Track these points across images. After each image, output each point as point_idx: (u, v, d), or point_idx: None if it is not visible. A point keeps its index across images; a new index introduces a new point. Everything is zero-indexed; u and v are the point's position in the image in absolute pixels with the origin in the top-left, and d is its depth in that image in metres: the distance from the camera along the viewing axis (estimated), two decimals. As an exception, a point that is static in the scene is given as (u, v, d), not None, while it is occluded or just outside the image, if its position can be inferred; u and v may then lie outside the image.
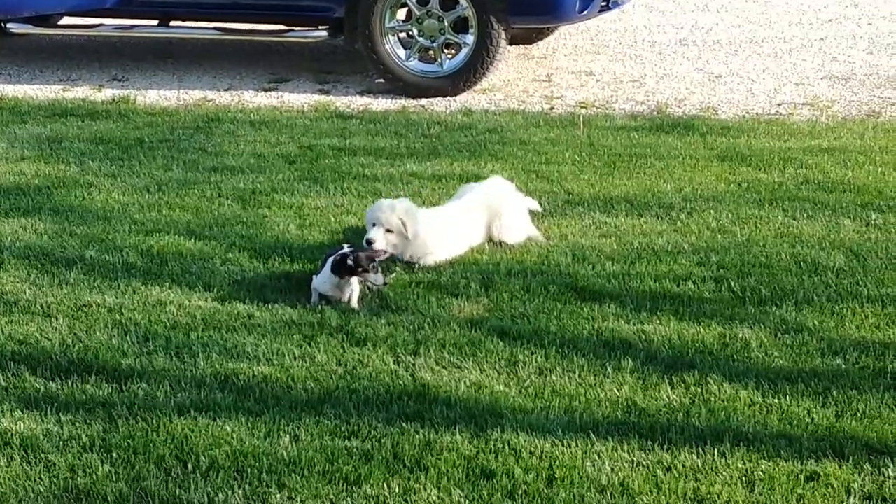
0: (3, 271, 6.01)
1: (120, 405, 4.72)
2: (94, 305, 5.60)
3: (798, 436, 4.51)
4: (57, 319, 5.46)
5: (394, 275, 5.95)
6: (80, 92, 9.81)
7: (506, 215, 6.36)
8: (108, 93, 9.75)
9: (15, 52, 11.14)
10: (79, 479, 4.25)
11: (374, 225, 6.06)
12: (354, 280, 5.63)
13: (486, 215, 6.34)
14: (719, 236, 6.49)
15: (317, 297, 5.66)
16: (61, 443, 4.48)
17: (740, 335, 5.31)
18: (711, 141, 8.30)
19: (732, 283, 5.84)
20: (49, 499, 4.15)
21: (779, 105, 9.39)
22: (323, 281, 5.67)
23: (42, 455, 4.40)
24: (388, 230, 6.01)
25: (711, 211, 6.87)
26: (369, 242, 5.96)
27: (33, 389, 4.85)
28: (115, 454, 4.40)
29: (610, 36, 11.70)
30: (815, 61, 10.72)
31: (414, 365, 5.05)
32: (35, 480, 4.25)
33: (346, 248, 5.74)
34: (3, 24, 10.41)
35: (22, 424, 4.59)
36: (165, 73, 10.40)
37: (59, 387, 4.87)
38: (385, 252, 5.89)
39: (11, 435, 4.50)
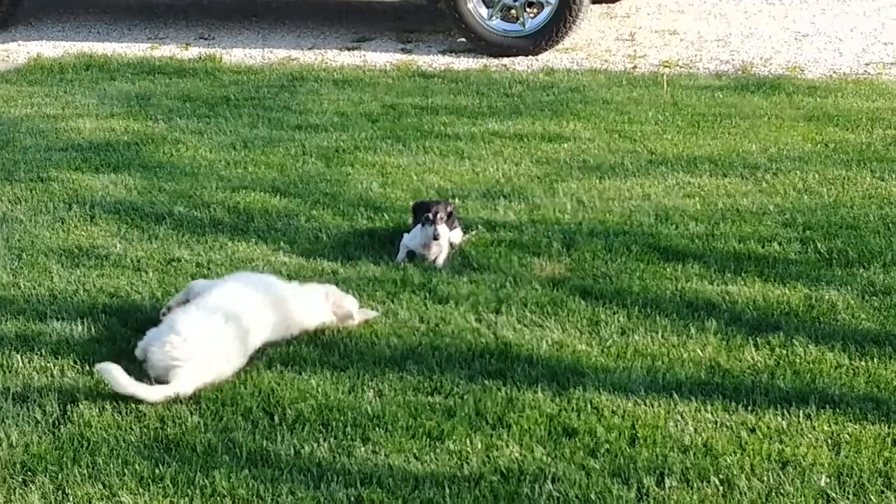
0: (95, 225, 6.12)
1: (208, 358, 4.79)
2: (182, 260, 5.69)
3: (885, 399, 4.46)
4: (147, 273, 5.55)
5: (475, 232, 5.96)
6: (167, 50, 9.93)
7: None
8: (194, 51, 9.85)
9: (104, 11, 11.29)
10: (168, 429, 4.33)
11: None
12: (444, 239, 5.64)
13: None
14: (805, 197, 6.42)
15: (403, 254, 5.68)
16: (151, 394, 4.56)
17: (827, 297, 5.25)
18: (798, 101, 8.19)
19: (819, 245, 5.77)
20: (139, 448, 4.23)
21: (867, 65, 9.22)
22: (413, 237, 5.70)
23: (133, 406, 4.48)
24: None
25: (797, 171, 6.78)
26: None
27: (124, 341, 4.93)
28: (203, 406, 4.47)
29: (695, -6, 11.56)
30: (905, 20, 10.51)
31: (496, 323, 5.07)
32: (126, 430, 4.33)
33: (440, 203, 5.73)
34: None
35: (113, 375, 4.68)
36: (250, 32, 10.48)
37: (149, 339, 4.96)
38: None
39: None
